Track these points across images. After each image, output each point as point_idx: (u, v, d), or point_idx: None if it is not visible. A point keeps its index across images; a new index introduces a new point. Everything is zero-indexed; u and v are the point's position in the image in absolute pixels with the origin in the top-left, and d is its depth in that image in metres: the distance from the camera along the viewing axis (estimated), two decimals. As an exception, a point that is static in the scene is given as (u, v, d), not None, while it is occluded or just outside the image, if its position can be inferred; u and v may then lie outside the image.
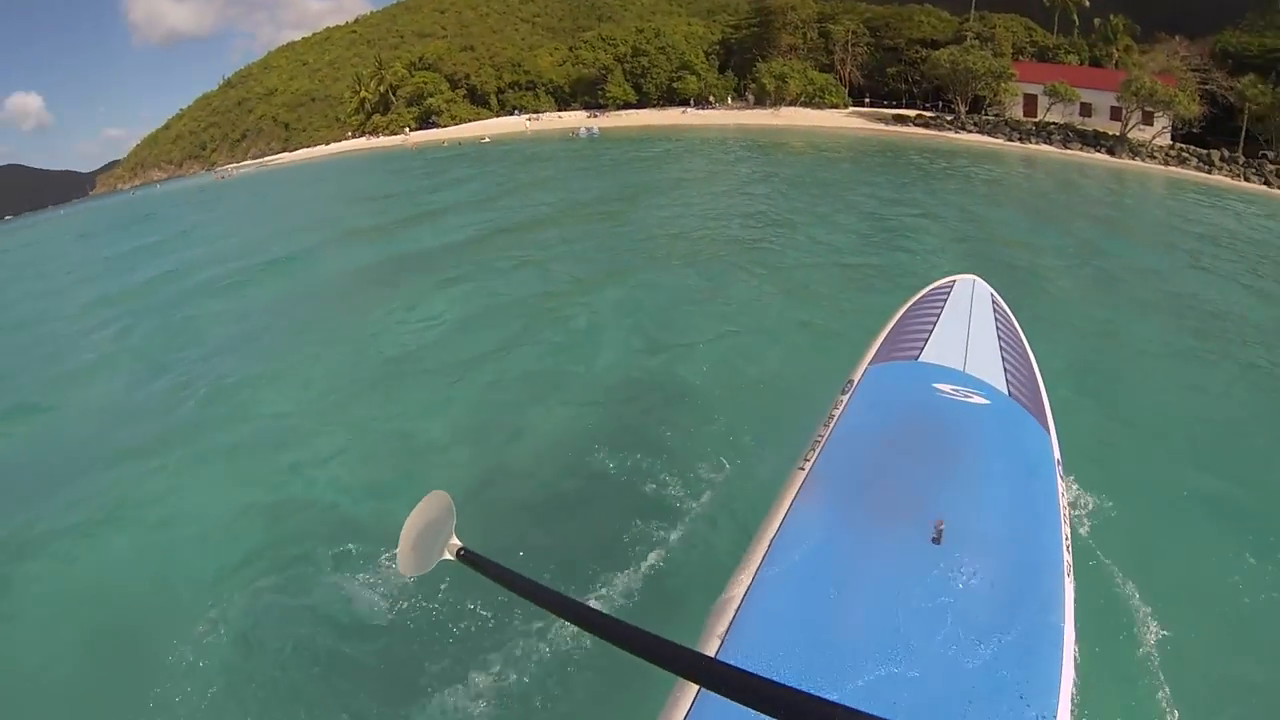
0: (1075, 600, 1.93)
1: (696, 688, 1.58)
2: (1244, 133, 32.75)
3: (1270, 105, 32.15)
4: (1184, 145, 33.56)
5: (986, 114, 40.94)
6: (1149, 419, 5.70)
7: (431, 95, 62.83)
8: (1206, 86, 34.45)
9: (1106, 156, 33.75)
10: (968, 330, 3.42)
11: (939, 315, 3.56)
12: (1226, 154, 31.67)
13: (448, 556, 1.84)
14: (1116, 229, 15.93)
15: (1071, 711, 1.61)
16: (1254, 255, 13.34)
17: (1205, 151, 32.13)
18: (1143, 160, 32.89)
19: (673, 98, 54.24)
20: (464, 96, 63.37)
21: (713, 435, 5.06)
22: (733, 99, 52.61)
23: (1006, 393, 2.91)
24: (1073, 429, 3.11)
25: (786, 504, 2.20)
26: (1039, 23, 46.36)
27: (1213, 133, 33.76)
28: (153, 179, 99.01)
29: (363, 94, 69.81)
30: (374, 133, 67.25)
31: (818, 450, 2.46)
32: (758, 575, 1.91)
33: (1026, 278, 9.87)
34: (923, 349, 3.21)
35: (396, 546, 2.05)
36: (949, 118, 41.31)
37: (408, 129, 62.51)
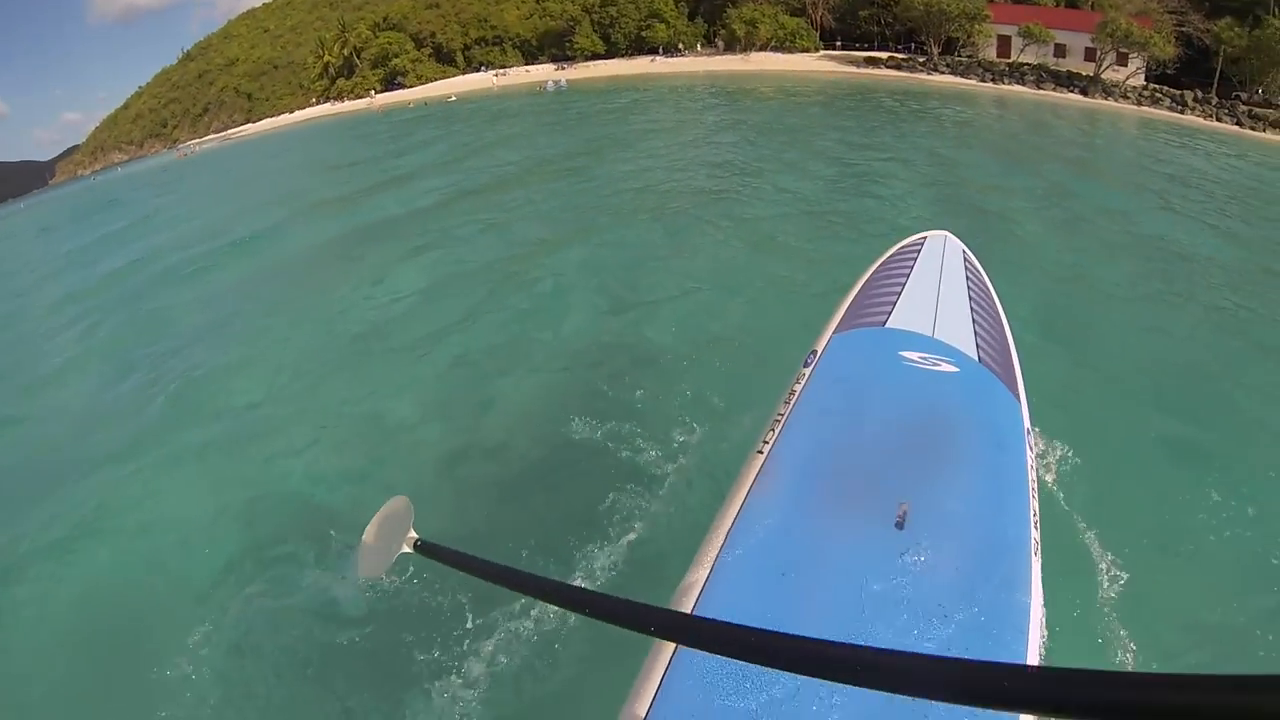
0: (1042, 578, 1.90)
1: (670, 648, 1.61)
2: (1218, 74, 32.71)
3: (1246, 48, 32.06)
4: (1157, 86, 33.48)
5: (959, 55, 40.46)
6: (1114, 363, 5.72)
7: (397, 56, 61.71)
8: (1182, 29, 34.21)
9: (1080, 97, 33.60)
10: (938, 291, 3.26)
11: (908, 276, 3.40)
12: (1200, 95, 31.64)
13: (405, 549, 1.92)
14: (1087, 170, 15.88)
15: None
16: (1222, 196, 13.38)
17: (1179, 92, 32.09)
18: (1116, 100, 32.78)
19: (641, 47, 52.94)
20: (430, 55, 62.08)
21: (682, 397, 5.01)
22: (702, 46, 51.43)
23: (976, 358, 2.80)
24: (1037, 375, 3.02)
25: (744, 492, 2.11)
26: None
27: (1187, 74, 33.68)
28: (113, 162, 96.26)
29: (326, 58, 68.28)
30: (339, 97, 66.12)
31: (777, 431, 2.35)
32: (713, 571, 1.85)
33: (995, 222, 9.83)
34: (890, 313, 3.05)
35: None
36: (921, 60, 40.76)
37: (373, 91, 61.56)
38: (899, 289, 3.27)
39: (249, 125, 76.27)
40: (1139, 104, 32.09)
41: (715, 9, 50.82)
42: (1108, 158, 19.03)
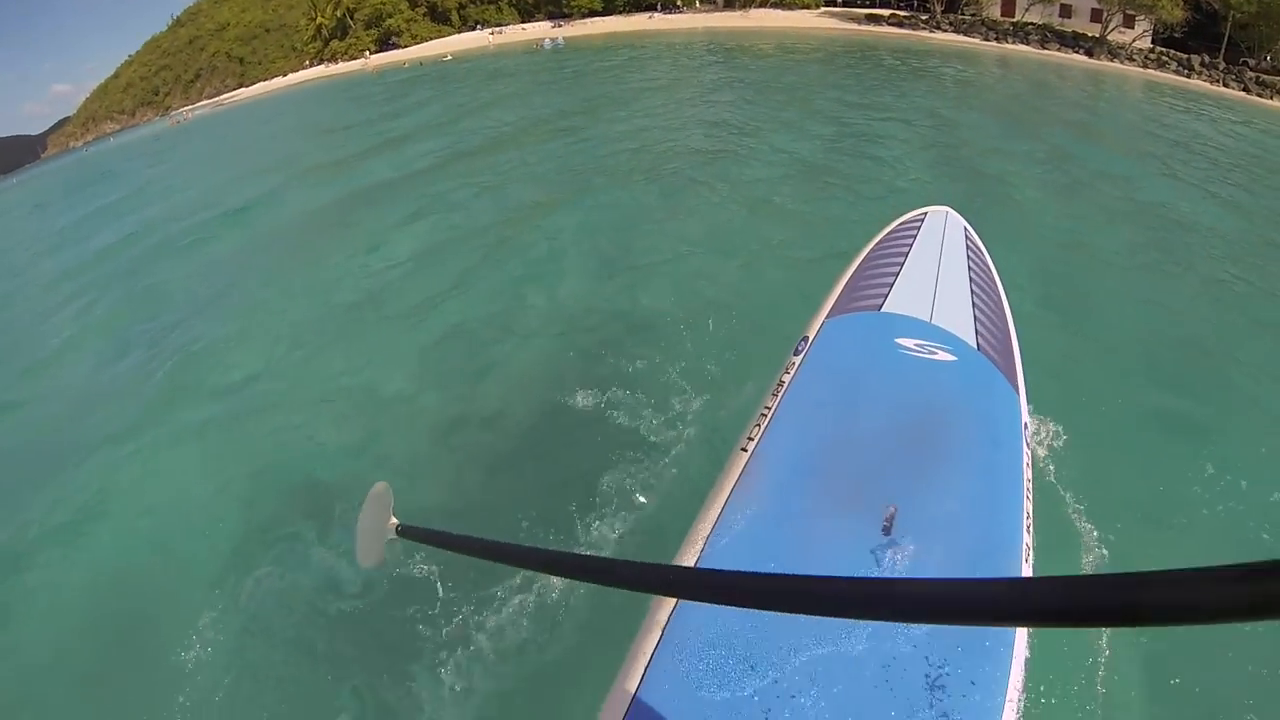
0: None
1: (659, 626, 1.62)
2: (1226, 40, 32.06)
3: (1255, 14, 31.37)
4: (1164, 49, 32.85)
5: (963, 13, 39.55)
6: (1109, 334, 5.70)
7: (391, 16, 60.25)
8: (1192, -8, 33.47)
9: (1084, 58, 32.96)
10: (937, 273, 3.11)
11: (906, 255, 3.23)
12: (1207, 60, 31.06)
13: (390, 537, 1.89)
14: (1089, 134, 15.65)
15: (1021, 690, 1.57)
16: (1226, 163, 13.19)
17: (1185, 56, 31.46)
18: (1121, 63, 32.17)
19: (639, 3, 51.65)
20: (424, 15, 60.77)
21: (678, 364, 4.99)
22: (701, 1, 50.25)
23: (975, 346, 2.67)
24: (1031, 344, 2.95)
25: (725, 494, 2.01)
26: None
27: (1195, 39, 32.98)
28: (105, 132, 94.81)
29: (319, 20, 66.95)
30: (332, 59, 65.02)
31: (763, 427, 2.24)
32: None
33: (993, 185, 9.71)
34: (887, 297, 2.89)
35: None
36: (924, 17, 39.86)
37: (367, 52, 60.45)
38: (897, 270, 3.11)
39: (242, 90, 74.74)
40: (1145, 67, 31.50)
41: (716, -37, 49.60)
42: (1111, 121, 18.74)
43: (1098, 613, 0.53)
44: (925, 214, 3.66)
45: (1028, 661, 1.64)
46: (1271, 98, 26.75)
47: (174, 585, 3.99)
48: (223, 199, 15.07)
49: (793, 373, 2.49)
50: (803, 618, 1.62)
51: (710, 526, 1.91)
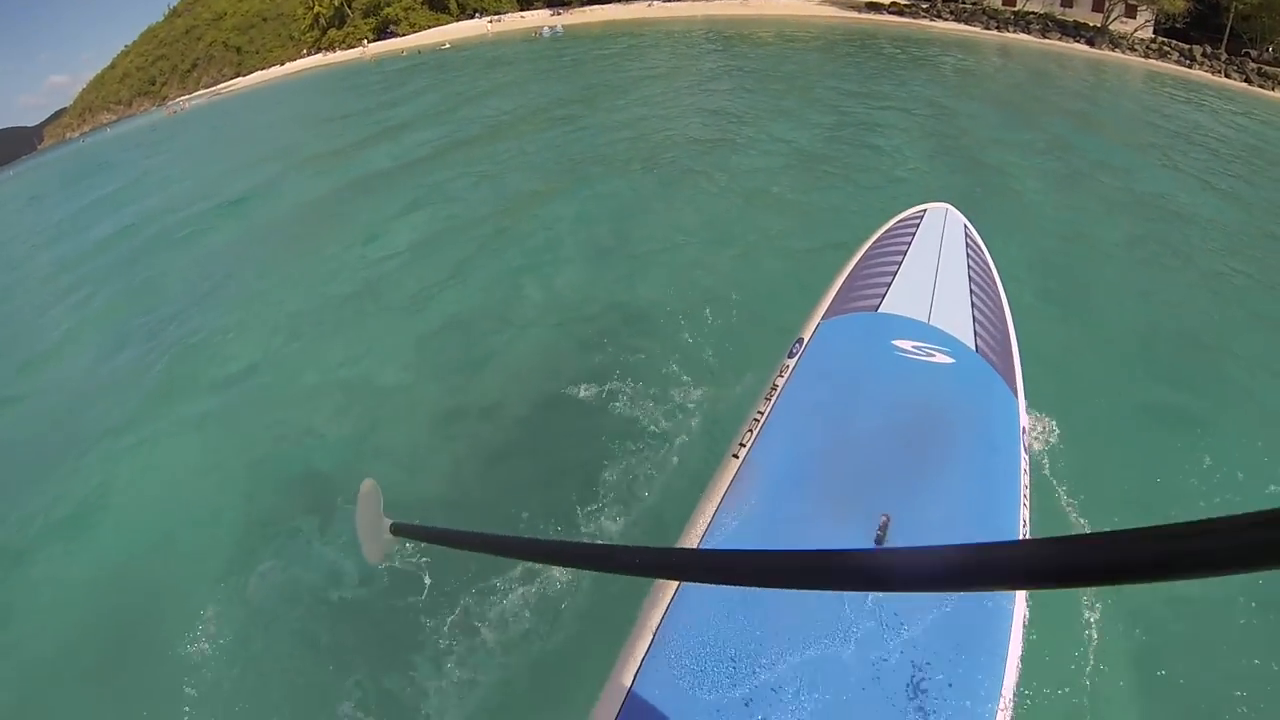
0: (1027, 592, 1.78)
1: (656, 619, 1.61)
2: (1228, 31, 31.95)
3: (1257, 5, 31.29)
4: (1166, 40, 32.74)
5: (964, 2, 39.40)
6: (1107, 326, 5.70)
7: (388, 4, 60.15)
8: (1194, -18, 33.30)
9: (1086, 47, 32.87)
10: (936, 272, 3.04)
11: (905, 254, 3.16)
12: (1209, 50, 30.96)
13: (388, 536, 1.87)
14: (1090, 124, 15.58)
15: (1014, 688, 1.57)
16: (1227, 154, 13.16)
17: (1187, 47, 31.38)
18: (1123, 52, 32.09)
19: (639, -11, 51.42)
20: (422, 3, 60.58)
21: (677, 354, 4.98)
22: (702, -11, 50.00)
23: (974, 347, 2.61)
24: (1028, 335, 2.93)
25: (716, 502, 1.97)
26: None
27: (1197, 29, 32.91)
28: (102, 123, 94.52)
29: (316, 9, 66.85)
30: (330, 48, 64.81)
31: (755, 433, 2.20)
32: (678, 589, 1.74)
33: (992, 175, 9.68)
34: (884, 297, 2.84)
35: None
36: (924, 5, 39.76)
37: (365, 41, 60.16)
38: (894, 269, 3.04)
39: (239, 80, 74.61)
40: (1146, 57, 31.41)
41: (715, -50, 49.21)
42: (1111, 111, 18.67)
43: (1115, 569, 0.50)
44: (924, 211, 3.59)
45: (1020, 659, 1.64)
46: (1273, 89, 26.72)
47: (176, 578, 3.99)
48: (220, 190, 14.99)
49: (786, 376, 2.44)
50: (794, 620, 1.64)
51: (701, 534, 1.89)
